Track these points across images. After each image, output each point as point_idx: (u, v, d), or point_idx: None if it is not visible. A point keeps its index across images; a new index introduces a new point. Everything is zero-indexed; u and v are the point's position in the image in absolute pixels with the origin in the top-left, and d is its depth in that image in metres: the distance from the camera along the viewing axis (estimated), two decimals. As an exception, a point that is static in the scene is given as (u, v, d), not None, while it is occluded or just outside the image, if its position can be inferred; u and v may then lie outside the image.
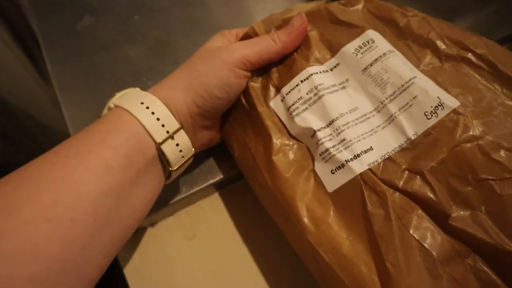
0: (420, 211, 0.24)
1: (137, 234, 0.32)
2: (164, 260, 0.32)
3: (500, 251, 0.22)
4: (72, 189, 0.23)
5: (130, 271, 0.31)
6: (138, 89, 0.31)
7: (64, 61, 0.42)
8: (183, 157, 0.28)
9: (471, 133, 0.24)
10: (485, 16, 0.40)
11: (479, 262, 0.23)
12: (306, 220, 0.25)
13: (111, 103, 0.30)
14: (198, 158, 0.34)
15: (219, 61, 0.28)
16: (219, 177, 0.33)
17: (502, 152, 0.24)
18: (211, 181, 0.33)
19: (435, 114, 0.25)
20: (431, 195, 0.24)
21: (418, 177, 0.24)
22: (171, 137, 0.27)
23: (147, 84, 0.38)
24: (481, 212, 0.23)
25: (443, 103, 0.25)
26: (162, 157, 0.27)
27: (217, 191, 0.34)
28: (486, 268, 0.23)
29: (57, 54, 0.42)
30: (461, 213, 0.23)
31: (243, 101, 0.30)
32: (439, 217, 0.24)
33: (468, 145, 0.24)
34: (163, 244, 0.32)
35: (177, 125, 0.27)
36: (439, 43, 0.27)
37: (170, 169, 0.28)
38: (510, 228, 0.22)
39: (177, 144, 0.27)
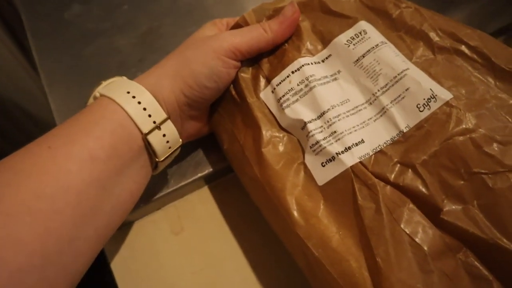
0: (411, 205, 0.23)
1: (124, 228, 0.32)
2: (152, 254, 0.31)
3: (492, 245, 0.22)
4: (54, 180, 0.22)
5: (117, 265, 0.31)
6: (125, 77, 0.30)
7: (51, 50, 0.41)
8: (170, 147, 0.27)
9: (463, 126, 0.24)
10: (480, 7, 0.40)
11: (471, 257, 0.22)
12: (295, 213, 0.24)
13: (97, 92, 0.29)
14: (186, 151, 0.33)
15: (208, 50, 0.27)
16: (208, 170, 0.32)
17: (495, 146, 0.23)
18: (199, 175, 0.32)
19: (428, 107, 0.24)
20: (423, 189, 0.23)
21: (410, 170, 0.24)
22: (158, 127, 0.26)
23: (136, 75, 0.37)
24: (473, 206, 0.23)
25: (436, 95, 0.24)
26: (148, 148, 0.26)
27: (206, 184, 0.34)
28: (477, 263, 0.22)
29: (44, 44, 0.41)
30: (453, 207, 0.23)
31: (233, 91, 0.30)
32: (431, 211, 0.23)
33: (461, 138, 0.23)
34: (151, 238, 0.31)
35: (164, 115, 0.26)
36: (432, 35, 0.27)
37: (157, 160, 0.27)
38: (502, 223, 0.22)
39: (164, 135, 0.27)
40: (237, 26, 0.30)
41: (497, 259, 0.22)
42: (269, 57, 0.29)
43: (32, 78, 0.63)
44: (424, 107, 0.24)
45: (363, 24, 0.28)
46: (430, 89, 0.25)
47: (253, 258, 0.30)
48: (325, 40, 0.29)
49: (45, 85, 0.38)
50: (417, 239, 0.22)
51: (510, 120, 0.24)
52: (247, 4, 0.41)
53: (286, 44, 0.29)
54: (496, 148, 0.23)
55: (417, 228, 0.23)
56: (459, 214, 0.23)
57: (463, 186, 0.23)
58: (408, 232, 0.22)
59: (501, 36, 0.40)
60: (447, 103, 0.24)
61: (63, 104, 0.37)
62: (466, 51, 0.26)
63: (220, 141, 0.31)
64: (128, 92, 0.26)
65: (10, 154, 0.24)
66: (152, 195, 0.31)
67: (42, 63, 0.40)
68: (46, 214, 0.22)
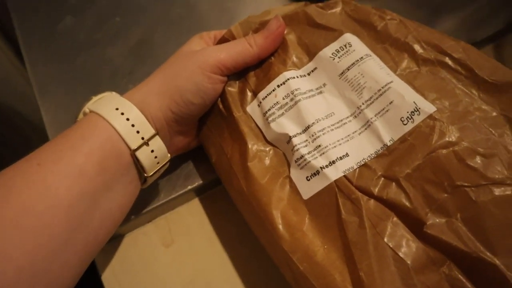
0: (395, 219, 0.23)
1: (115, 241, 0.32)
2: (142, 266, 0.31)
3: (475, 259, 0.22)
4: (43, 195, 0.23)
5: (107, 278, 0.31)
6: (114, 93, 0.30)
7: (44, 62, 0.41)
8: (158, 163, 0.28)
9: (447, 139, 0.24)
10: (468, 15, 0.40)
11: (455, 270, 0.23)
12: (281, 227, 0.25)
13: (87, 107, 0.30)
14: (176, 163, 0.33)
15: (194, 66, 0.27)
16: (197, 182, 0.33)
17: (478, 159, 0.23)
18: (189, 187, 0.32)
19: (411, 120, 0.25)
20: (406, 203, 0.23)
21: (394, 184, 0.24)
22: (146, 143, 0.26)
23: (127, 86, 0.38)
24: (457, 220, 0.23)
25: (419, 108, 0.25)
26: (137, 163, 0.27)
27: (196, 196, 0.34)
28: (461, 277, 0.22)
29: (36, 55, 0.42)
30: (437, 220, 0.23)
31: (220, 106, 0.30)
32: (415, 225, 0.23)
33: (444, 151, 0.24)
34: (141, 250, 0.32)
35: (152, 131, 0.27)
36: (417, 47, 0.27)
37: (146, 175, 0.27)
38: (485, 236, 0.22)
39: (152, 151, 0.27)
40: (223, 39, 0.30)
41: (481, 272, 0.22)
42: (255, 71, 0.29)
43: (29, 84, 0.64)
44: (408, 120, 0.25)
45: (348, 37, 0.28)
46: (414, 102, 0.25)
47: (243, 270, 0.31)
48: (310, 53, 0.29)
49: (37, 96, 0.38)
50: (400, 253, 0.22)
51: (493, 132, 0.24)
52: (238, 14, 0.42)
53: (272, 58, 0.29)
54: (479, 161, 0.23)
55: (401, 242, 0.23)
56: (443, 228, 0.23)
57: (447, 199, 0.23)
58: (391, 246, 0.23)
59: (489, 43, 0.40)
60: (430, 116, 0.24)
61: (55, 115, 0.37)
62: (450, 63, 0.26)
63: (208, 154, 0.31)
64: (117, 109, 0.26)
65: (10, 160, 0.24)
66: (142, 207, 0.31)
67: (35, 75, 0.40)
68: (35, 230, 0.22)
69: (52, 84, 0.39)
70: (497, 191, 0.23)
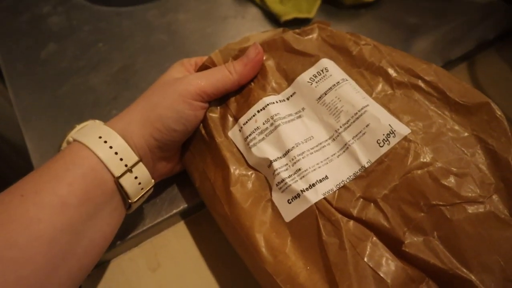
0: (374, 239, 0.24)
1: (101, 267, 0.32)
2: (129, 292, 0.31)
3: (451, 275, 0.22)
4: (26, 229, 0.23)
5: (94, 305, 0.31)
6: (97, 121, 0.31)
7: (28, 90, 0.41)
8: (142, 189, 0.28)
9: (421, 160, 0.25)
10: (443, 35, 0.42)
11: (433, 287, 0.23)
12: (264, 250, 0.25)
13: (70, 136, 0.30)
14: (161, 188, 0.34)
15: (175, 94, 0.28)
16: (183, 206, 0.33)
17: (452, 178, 0.24)
18: (174, 211, 0.33)
19: (387, 142, 0.25)
20: (384, 223, 0.24)
21: (372, 204, 0.25)
22: (130, 170, 0.27)
23: (110, 112, 0.38)
24: (434, 238, 0.24)
25: (395, 130, 0.25)
26: (121, 190, 0.27)
27: (182, 220, 0.34)
28: None
29: (20, 83, 0.42)
30: (414, 239, 0.24)
31: (203, 131, 0.30)
32: (393, 244, 0.24)
33: (419, 171, 0.24)
34: (128, 275, 0.32)
35: (136, 158, 0.27)
36: (391, 71, 0.28)
37: (130, 201, 0.27)
38: (460, 253, 0.23)
39: (136, 177, 0.27)
40: (204, 67, 0.31)
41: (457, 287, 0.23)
42: (236, 96, 0.30)
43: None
44: (384, 143, 0.25)
45: (324, 62, 0.29)
46: (389, 124, 0.26)
47: (229, 292, 0.31)
48: (289, 78, 0.30)
49: (21, 125, 0.38)
50: (380, 273, 0.23)
51: (465, 152, 0.25)
52: (218, 39, 0.42)
53: (252, 83, 0.30)
54: (452, 181, 0.24)
55: (381, 261, 0.23)
56: (420, 246, 0.24)
57: (423, 218, 0.24)
58: (371, 265, 0.23)
59: (463, 62, 0.41)
60: (405, 138, 0.25)
61: (39, 143, 0.37)
62: (423, 85, 0.28)
63: (192, 179, 0.31)
64: (100, 137, 0.26)
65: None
66: (128, 232, 0.32)
67: (18, 103, 0.40)
68: (17, 263, 0.22)
69: (36, 112, 0.39)
70: (471, 209, 0.23)
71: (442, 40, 0.42)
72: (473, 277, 0.22)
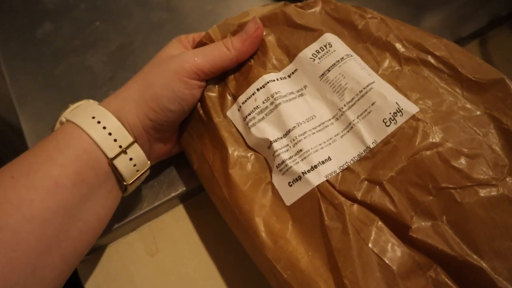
0: (380, 223, 0.23)
1: (98, 251, 0.31)
2: (127, 276, 0.30)
3: (461, 262, 0.21)
4: (17, 211, 0.22)
5: (91, 290, 0.30)
6: (91, 101, 0.29)
7: (23, 70, 0.40)
8: (137, 170, 0.27)
9: (430, 140, 0.23)
10: (453, 12, 0.39)
11: (441, 274, 0.22)
12: (264, 235, 0.24)
13: (63, 117, 0.29)
14: (159, 170, 0.32)
15: (171, 72, 0.26)
16: (181, 189, 0.32)
17: (462, 159, 0.22)
18: (173, 194, 0.31)
19: (394, 121, 0.24)
20: (391, 206, 0.23)
21: (378, 187, 0.23)
22: (124, 151, 0.26)
23: (107, 93, 0.37)
24: (442, 222, 0.22)
25: (402, 109, 0.24)
26: (115, 172, 0.26)
27: (180, 203, 0.33)
28: (448, 281, 0.22)
29: (15, 63, 0.40)
30: (422, 224, 0.22)
31: (200, 111, 0.29)
32: (400, 229, 0.22)
33: (428, 152, 0.23)
34: (125, 260, 0.31)
35: (130, 139, 0.26)
36: (398, 46, 0.26)
37: (125, 183, 0.26)
38: (471, 239, 0.21)
39: (131, 159, 0.26)
40: (201, 43, 0.29)
41: (468, 275, 0.21)
42: (235, 74, 0.28)
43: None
44: (391, 122, 0.24)
45: (328, 37, 0.27)
46: (396, 102, 0.24)
47: (229, 278, 0.30)
48: (290, 54, 0.28)
49: (16, 106, 0.37)
50: (385, 259, 0.22)
51: (477, 131, 0.23)
52: (219, 16, 0.40)
53: (251, 60, 0.28)
54: (463, 162, 0.22)
55: (386, 247, 0.22)
56: (428, 231, 0.22)
57: (432, 202, 0.22)
58: (376, 251, 0.22)
59: (474, 39, 0.39)
60: (413, 117, 0.23)
61: (35, 124, 0.36)
62: (433, 61, 0.26)
63: (190, 161, 0.30)
64: (93, 117, 0.25)
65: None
66: (125, 216, 0.30)
67: (13, 84, 0.39)
68: (8, 245, 0.21)
69: (31, 93, 0.38)
70: (483, 192, 0.22)
71: (453, 16, 0.39)
72: (484, 265, 0.21)
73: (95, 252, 0.31)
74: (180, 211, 0.33)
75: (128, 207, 0.31)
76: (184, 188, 0.32)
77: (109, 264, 0.31)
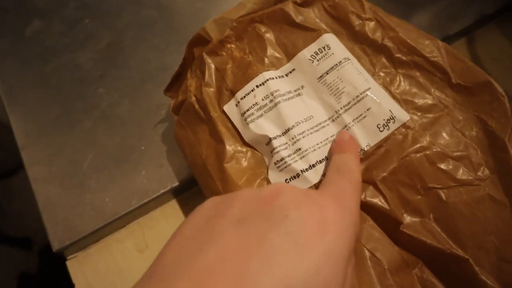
0: (371, 222, 0.26)
1: (88, 249, 0.33)
2: (116, 273, 0.33)
3: (448, 255, 0.25)
4: None
5: (81, 287, 0.32)
6: None
7: (12, 68, 0.42)
8: None
9: (419, 144, 0.27)
10: (441, 10, 0.43)
11: (426, 272, 0.26)
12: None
13: None
14: (148, 166, 0.35)
15: None
16: (170, 186, 0.34)
17: (448, 161, 0.27)
18: (162, 191, 0.34)
19: (387, 127, 0.27)
20: (384, 204, 0.26)
21: (371, 186, 0.27)
22: None
23: (97, 91, 0.39)
24: (430, 220, 0.26)
25: (395, 116, 0.28)
26: None
27: (169, 200, 0.36)
28: (432, 278, 0.26)
29: (4, 61, 0.42)
30: (412, 220, 0.26)
31: (196, 106, 0.31)
32: (390, 226, 0.26)
33: (417, 155, 0.27)
34: (115, 257, 0.33)
35: None
36: (393, 49, 0.30)
37: None
38: (456, 233, 0.26)
39: None
40: (198, 37, 0.32)
41: (451, 269, 0.25)
42: (232, 68, 0.31)
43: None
44: (384, 128, 0.28)
45: (326, 38, 0.30)
46: (390, 110, 0.28)
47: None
48: (289, 54, 0.31)
49: (6, 104, 0.39)
50: (377, 255, 0.25)
51: (465, 134, 0.28)
52: (209, 15, 0.43)
53: (250, 56, 0.31)
54: (449, 164, 0.27)
55: (377, 244, 0.26)
56: (418, 227, 0.26)
57: (420, 200, 0.26)
58: (368, 248, 0.25)
59: (462, 37, 0.43)
60: (404, 125, 0.28)
61: (24, 122, 0.38)
62: (425, 65, 0.29)
63: (184, 154, 0.32)
64: None
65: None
66: (114, 213, 0.33)
67: (3, 82, 0.41)
68: None
69: (21, 91, 0.41)
70: (466, 192, 0.26)
71: (441, 14, 0.43)
72: (467, 256, 0.25)
73: (84, 249, 0.33)
74: (170, 207, 0.35)
75: (118, 204, 0.33)
76: (173, 185, 0.34)
77: (99, 261, 0.33)
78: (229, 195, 0.20)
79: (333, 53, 0.30)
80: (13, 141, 0.36)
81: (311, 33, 0.31)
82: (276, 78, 0.30)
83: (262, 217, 0.18)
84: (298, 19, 0.31)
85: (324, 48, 0.30)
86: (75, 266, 0.32)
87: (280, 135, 0.28)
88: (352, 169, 0.24)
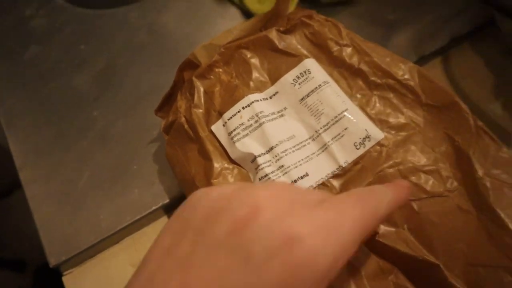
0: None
1: (82, 263, 0.35)
2: (111, 287, 0.35)
3: (421, 262, 0.28)
4: None
5: (75, 301, 0.34)
6: None
7: (10, 91, 0.45)
8: None
9: (393, 160, 0.30)
10: (417, 30, 0.47)
11: (401, 278, 0.28)
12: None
13: None
14: (141, 184, 0.37)
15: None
16: (162, 202, 0.37)
17: (419, 175, 0.30)
18: (154, 208, 0.36)
19: (363, 145, 0.31)
20: None
21: None
22: None
23: (92, 114, 0.42)
24: (404, 229, 0.29)
25: (370, 135, 0.31)
26: None
27: (162, 216, 0.38)
28: (407, 283, 0.28)
29: (2, 84, 0.45)
30: (387, 230, 0.29)
31: (185, 126, 0.34)
32: (367, 238, 0.29)
33: (391, 170, 0.30)
34: (110, 272, 0.35)
35: None
36: (369, 73, 0.33)
37: None
38: (428, 242, 0.28)
39: None
40: (188, 62, 0.35)
41: (424, 274, 0.28)
42: (220, 91, 0.34)
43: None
44: (360, 145, 0.31)
45: (307, 63, 0.33)
46: (366, 129, 0.31)
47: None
48: (272, 78, 0.34)
49: (4, 126, 0.42)
50: (355, 263, 0.28)
51: (434, 150, 0.31)
52: (196, 39, 0.46)
53: (236, 80, 0.34)
54: (421, 177, 0.30)
55: (356, 253, 0.28)
56: (393, 237, 0.29)
57: (394, 212, 0.29)
58: None
59: (437, 56, 0.47)
60: (379, 143, 0.31)
61: (22, 144, 0.40)
62: (398, 87, 0.33)
63: (174, 172, 0.35)
64: None
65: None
66: (108, 230, 0.35)
67: (1, 105, 0.44)
68: None
69: (19, 114, 0.43)
70: (436, 203, 0.29)
71: (417, 35, 0.47)
72: (438, 262, 0.28)
73: (80, 265, 0.35)
74: (161, 223, 0.38)
75: (112, 220, 0.35)
76: (165, 202, 0.37)
77: (93, 276, 0.35)
78: (194, 205, 0.20)
79: (313, 77, 0.33)
80: (8, 162, 0.38)
81: (293, 58, 0.34)
82: (261, 100, 0.33)
83: (226, 250, 0.17)
84: (281, 45, 0.34)
85: (305, 72, 0.33)
86: (71, 281, 0.34)
87: (264, 153, 0.31)
88: (376, 203, 0.21)
